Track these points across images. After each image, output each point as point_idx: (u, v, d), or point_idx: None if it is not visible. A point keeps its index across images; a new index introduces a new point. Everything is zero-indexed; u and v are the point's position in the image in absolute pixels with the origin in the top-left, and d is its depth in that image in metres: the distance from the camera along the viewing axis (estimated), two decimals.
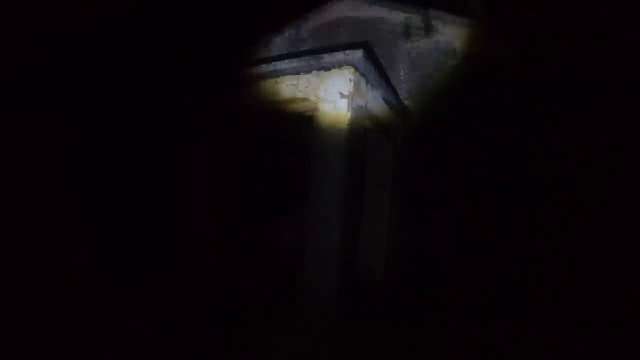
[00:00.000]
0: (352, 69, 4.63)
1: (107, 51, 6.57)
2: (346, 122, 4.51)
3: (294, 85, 5.02)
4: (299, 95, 4.96)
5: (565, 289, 5.29)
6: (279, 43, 8.20)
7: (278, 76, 5.15)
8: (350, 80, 4.61)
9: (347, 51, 4.64)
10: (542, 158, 5.82)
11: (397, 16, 7.26)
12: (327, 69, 4.75)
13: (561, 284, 5.36)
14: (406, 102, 6.78)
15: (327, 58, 4.75)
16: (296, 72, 4.98)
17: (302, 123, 5.29)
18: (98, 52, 6.44)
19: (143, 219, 6.43)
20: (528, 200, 5.86)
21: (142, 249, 6.12)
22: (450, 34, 6.78)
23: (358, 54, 4.61)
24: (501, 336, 4.65)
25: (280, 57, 5.26)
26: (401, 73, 7.02)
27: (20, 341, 3.88)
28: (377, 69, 5.20)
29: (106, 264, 5.66)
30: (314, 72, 4.85)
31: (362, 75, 4.84)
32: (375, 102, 5.45)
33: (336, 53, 4.69)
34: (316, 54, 4.85)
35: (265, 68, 5.24)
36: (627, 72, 5.44)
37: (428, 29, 7.02)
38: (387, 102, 5.88)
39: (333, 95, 4.65)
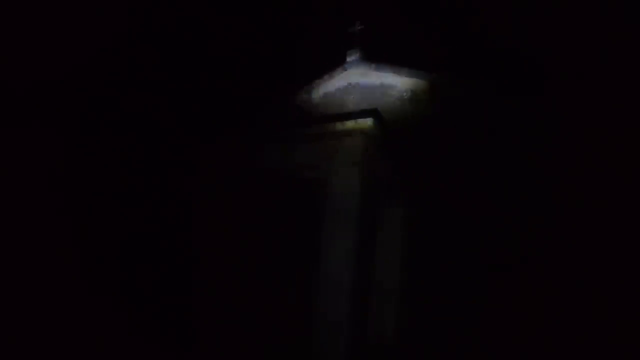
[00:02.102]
0: (363, 136, 4.79)
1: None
2: (357, 189, 4.59)
3: (306, 151, 5.18)
4: (311, 161, 5.10)
5: None
6: (292, 108, 8.55)
7: (290, 142, 5.34)
8: (361, 147, 4.76)
9: (359, 119, 4.83)
10: None
11: (405, 82, 7.58)
12: (339, 136, 4.92)
13: None
14: (415, 164, 6.89)
15: (339, 126, 4.93)
16: (309, 139, 5.16)
17: (314, 188, 5.39)
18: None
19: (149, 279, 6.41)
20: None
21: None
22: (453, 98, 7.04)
23: (368, 122, 4.79)
24: None
25: (293, 124, 5.48)
26: (409, 137, 7.20)
27: None
28: (387, 135, 5.36)
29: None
30: (326, 140, 5.02)
31: (373, 141, 4.99)
32: (386, 168, 5.57)
33: (347, 121, 4.89)
34: (329, 121, 5.05)
35: (278, 134, 5.45)
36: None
37: (433, 93, 7.30)
38: (397, 167, 6.00)
39: (344, 162, 4.77)
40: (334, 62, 8.48)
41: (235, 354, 5.61)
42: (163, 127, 7.32)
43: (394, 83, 7.75)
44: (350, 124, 4.88)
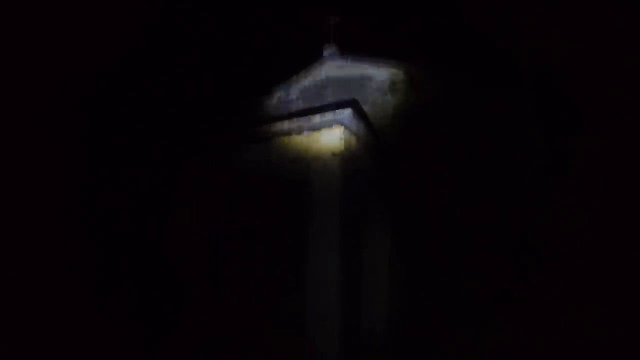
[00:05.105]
0: (342, 128, 4.72)
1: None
2: (340, 180, 4.52)
3: (286, 146, 5.09)
4: (291, 155, 5.01)
5: None
6: (270, 105, 8.45)
7: (270, 138, 5.24)
8: (341, 138, 4.69)
9: (337, 110, 4.76)
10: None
11: (382, 73, 7.56)
12: (318, 129, 4.84)
13: None
14: (396, 154, 6.86)
15: (317, 118, 4.85)
16: (288, 133, 5.07)
17: (297, 182, 5.30)
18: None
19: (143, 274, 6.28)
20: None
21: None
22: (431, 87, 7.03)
23: (347, 112, 4.72)
24: None
25: (272, 120, 5.37)
26: (389, 127, 7.17)
27: None
28: (366, 125, 5.31)
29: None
30: (305, 132, 4.94)
31: (352, 133, 4.93)
32: (366, 157, 5.51)
33: (326, 113, 4.81)
34: (307, 114, 4.97)
35: (256, 132, 5.34)
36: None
37: (411, 83, 7.29)
38: (378, 157, 5.95)
39: (325, 154, 4.70)
40: (311, 57, 8.41)
41: (226, 350, 5.50)
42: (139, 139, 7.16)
43: (372, 75, 7.72)
44: (329, 115, 4.81)
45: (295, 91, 8.38)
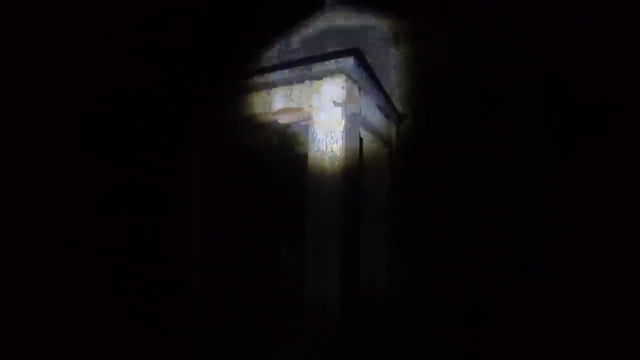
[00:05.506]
0: (345, 77, 4.61)
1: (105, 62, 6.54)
2: (340, 130, 4.47)
3: (287, 95, 4.99)
4: (293, 105, 4.92)
5: None
6: (271, 55, 8.21)
7: (271, 87, 5.13)
8: (343, 87, 4.59)
9: (339, 59, 4.62)
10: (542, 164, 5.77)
11: (386, 24, 7.29)
12: (319, 77, 4.73)
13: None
14: (399, 108, 6.77)
15: (318, 67, 4.72)
16: (289, 82, 4.96)
17: (296, 133, 5.25)
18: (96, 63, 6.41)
19: (142, 232, 6.31)
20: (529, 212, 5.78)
21: (141, 264, 6.00)
22: (439, 41, 6.79)
23: (349, 61, 4.59)
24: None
25: (273, 68, 5.23)
26: (393, 80, 7.02)
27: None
28: (369, 75, 5.18)
29: (104, 274, 5.53)
30: (307, 81, 4.83)
31: (355, 82, 4.82)
32: (369, 109, 5.43)
33: (328, 61, 4.67)
34: (308, 63, 4.83)
35: (257, 80, 5.21)
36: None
37: (417, 36, 7.04)
38: (380, 108, 5.86)
39: (326, 103, 4.62)
40: (312, 6, 8.07)
41: (227, 312, 5.65)
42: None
43: (376, 25, 7.44)
44: (331, 64, 4.67)
45: (296, 42, 8.12)
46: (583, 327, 4.53)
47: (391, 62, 7.15)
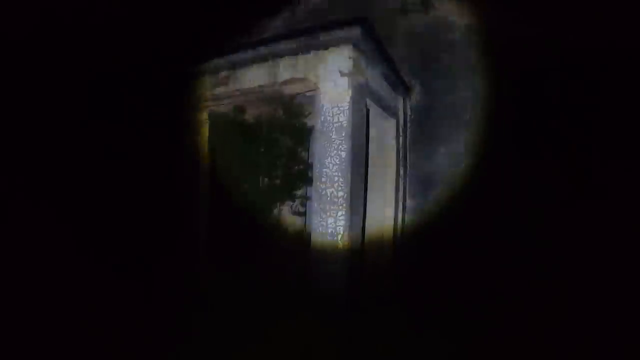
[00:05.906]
0: (351, 46, 4.52)
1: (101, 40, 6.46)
2: (347, 100, 4.43)
3: (292, 66, 4.93)
4: (298, 75, 4.86)
5: None
6: (275, 26, 8.04)
7: (276, 58, 5.06)
8: (350, 57, 4.51)
9: (346, 28, 4.53)
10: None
11: None
12: (325, 47, 4.65)
13: None
14: (407, 79, 6.65)
15: (325, 36, 4.64)
16: (294, 52, 4.89)
17: (304, 104, 5.21)
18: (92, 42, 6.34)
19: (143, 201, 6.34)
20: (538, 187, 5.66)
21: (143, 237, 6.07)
22: (448, 9, 6.59)
23: (356, 30, 4.50)
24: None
25: (277, 38, 5.14)
26: (401, 50, 6.86)
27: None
28: (377, 45, 5.08)
29: (108, 264, 5.60)
30: (313, 51, 4.75)
31: (362, 52, 4.73)
32: (376, 80, 5.34)
33: (334, 30, 4.59)
34: (314, 32, 4.75)
35: (262, 50, 5.14)
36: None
37: (426, 4, 6.83)
38: (388, 80, 5.76)
39: (333, 74, 4.56)
40: None
41: (232, 279, 5.73)
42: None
43: None
44: (337, 33, 4.59)
45: (301, 11, 7.93)
46: (583, 327, 4.53)
47: (400, 33, 6.98)
